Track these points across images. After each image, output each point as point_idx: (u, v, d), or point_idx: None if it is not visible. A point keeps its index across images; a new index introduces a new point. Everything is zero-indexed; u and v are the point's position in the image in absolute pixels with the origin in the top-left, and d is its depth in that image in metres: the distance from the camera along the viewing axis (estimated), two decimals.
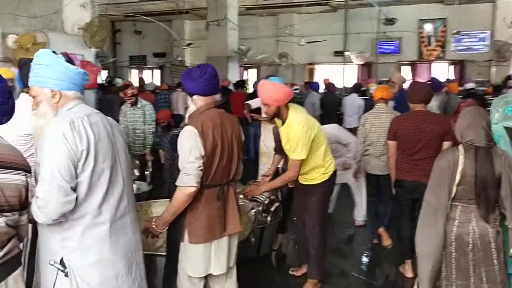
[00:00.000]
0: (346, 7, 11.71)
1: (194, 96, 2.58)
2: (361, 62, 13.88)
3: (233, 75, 11.47)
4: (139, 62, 17.20)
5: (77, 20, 7.11)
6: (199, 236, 2.51)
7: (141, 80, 11.89)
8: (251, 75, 16.15)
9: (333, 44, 13.98)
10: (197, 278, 2.57)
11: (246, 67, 15.88)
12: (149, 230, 2.56)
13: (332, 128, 4.80)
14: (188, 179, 2.44)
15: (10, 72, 5.25)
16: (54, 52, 2.09)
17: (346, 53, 12.22)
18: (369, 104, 6.45)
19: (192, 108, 2.62)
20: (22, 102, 2.95)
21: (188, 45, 14.65)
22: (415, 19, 14.07)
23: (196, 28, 15.73)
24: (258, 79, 15.43)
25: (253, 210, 4.14)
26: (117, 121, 5.36)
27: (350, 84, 9.86)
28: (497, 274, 2.51)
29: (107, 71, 17.38)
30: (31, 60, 2.96)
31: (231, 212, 2.64)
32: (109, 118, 2.10)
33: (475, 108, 2.77)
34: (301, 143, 3.20)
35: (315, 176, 3.47)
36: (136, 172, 6.12)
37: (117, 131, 2.10)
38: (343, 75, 11.58)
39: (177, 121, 5.63)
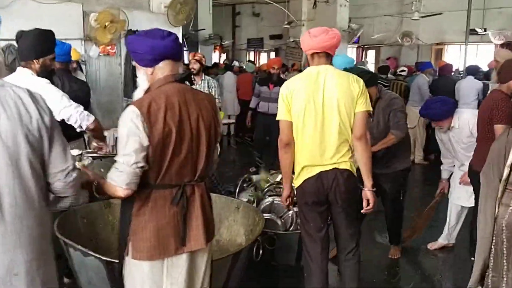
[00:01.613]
0: None
1: (161, 64, 1.95)
2: (501, 42, 11.72)
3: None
4: (256, 44, 17.02)
5: None
6: (143, 251, 1.95)
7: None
8: (369, 57, 14.83)
9: (466, 21, 12.01)
10: None
11: (364, 48, 14.63)
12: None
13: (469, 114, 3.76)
14: (117, 178, 1.87)
15: (76, 53, 5.24)
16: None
17: (481, 31, 10.36)
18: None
19: (143, 85, 2.02)
20: (18, 76, 2.69)
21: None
22: None
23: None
24: (377, 61, 14.18)
25: (290, 212, 3.46)
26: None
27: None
28: None
29: (225, 54, 17.62)
30: (28, 32, 2.70)
31: (195, 222, 2.01)
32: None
33: None
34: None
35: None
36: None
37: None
38: (476, 56, 9.85)
39: None
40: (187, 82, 2.06)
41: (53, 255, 1.77)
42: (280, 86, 6.84)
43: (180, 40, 7.60)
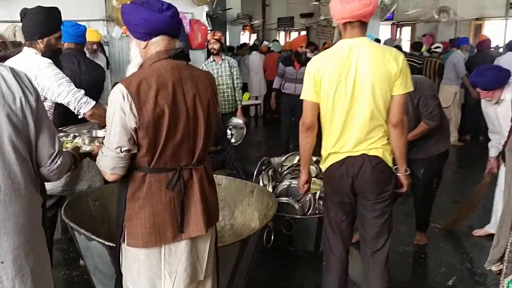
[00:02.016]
0: None
1: (155, 39, 1.81)
2: None
3: (373, 33, 10.07)
4: (286, 24, 16.65)
5: None
6: (138, 237, 1.84)
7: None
8: (404, 34, 14.24)
9: None
10: None
11: (399, 25, 14.06)
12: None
13: None
14: (102, 163, 1.78)
15: (98, 34, 5.19)
16: None
17: None
18: None
19: (136, 59, 1.88)
20: (24, 56, 2.63)
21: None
22: None
23: None
24: (413, 38, 13.60)
25: (308, 196, 3.31)
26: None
27: None
28: None
29: (255, 34, 17.36)
30: (31, 10, 2.61)
31: (194, 208, 1.89)
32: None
33: None
34: None
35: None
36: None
37: None
38: None
39: None
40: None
41: (44, 242, 1.69)
42: (305, 66, 6.71)
43: (204, 19, 7.51)
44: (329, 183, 2.45)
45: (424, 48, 8.66)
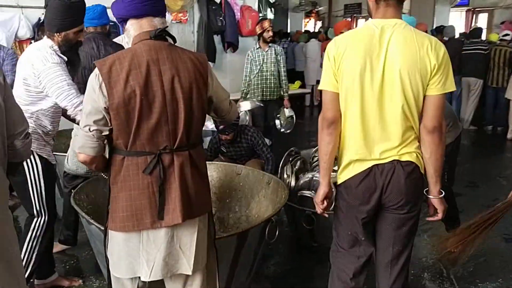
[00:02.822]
0: None
1: (128, 24, 1.85)
2: None
3: (442, 19, 9.45)
4: (354, 10, 16.08)
5: None
6: (117, 221, 1.83)
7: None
8: (481, 22, 13.22)
9: None
10: (123, 279, 1.91)
11: (475, 11, 13.08)
12: None
13: None
14: (74, 142, 1.78)
15: None
16: None
17: None
18: None
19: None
20: (39, 44, 2.61)
21: None
22: None
23: None
24: (490, 26, 12.61)
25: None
26: None
27: None
28: None
29: (321, 21, 16.96)
30: (52, 2, 2.54)
31: (173, 195, 1.82)
32: None
33: None
34: None
35: None
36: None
37: None
38: None
39: None
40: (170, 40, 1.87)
41: (10, 223, 1.70)
42: None
43: (256, 6, 7.40)
44: (348, 197, 2.00)
45: (495, 37, 7.94)
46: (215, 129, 4.25)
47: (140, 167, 1.79)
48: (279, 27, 11.44)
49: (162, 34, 1.81)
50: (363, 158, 1.92)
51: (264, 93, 5.35)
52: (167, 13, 6.11)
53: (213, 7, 6.45)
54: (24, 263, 2.59)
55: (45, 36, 2.67)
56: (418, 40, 1.85)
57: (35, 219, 2.62)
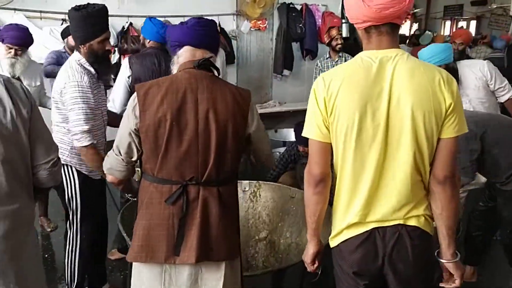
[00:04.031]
0: None
1: (182, 50, 1.85)
2: None
3: None
4: (454, 12, 14.98)
5: None
6: (132, 250, 1.80)
7: None
8: None
9: None
10: None
11: None
12: None
13: None
14: (104, 161, 1.86)
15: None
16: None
17: None
18: None
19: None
20: (70, 59, 2.58)
21: None
22: None
23: None
24: None
25: None
26: None
27: None
28: None
29: (417, 23, 16.06)
30: (70, 16, 2.48)
31: (193, 231, 1.73)
32: None
33: None
34: None
35: None
36: None
37: None
38: None
39: None
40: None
41: (34, 243, 1.73)
42: None
43: (339, 11, 7.14)
44: (342, 264, 1.70)
45: None
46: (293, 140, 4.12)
47: (163, 196, 1.74)
48: None
49: (206, 64, 1.78)
50: (360, 220, 1.61)
51: None
52: (246, 21, 6.11)
53: (293, 14, 6.32)
54: (68, 275, 2.67)
55: (75, 51, 2.66)
56: (428, 73, 1.54)
57: (69, 232, 2.67)
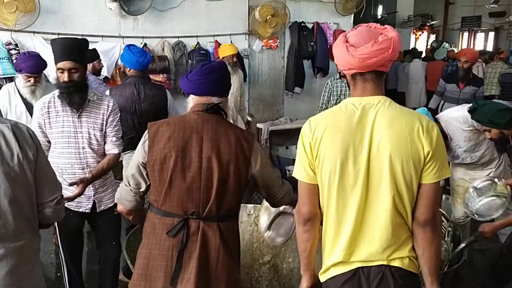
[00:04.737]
0: None
1: (189, 97, 2.00)
2: None
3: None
4: (472, 23, 14.86)
5: None
6: (133, 278, 1.90)
7: None
8: None
9: None
10: None
11: None
12: None
13: None
14: (117, 194, 1.97)
15: (233, 47, 5.38)
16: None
17: None
18: None
19: None
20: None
21: None
22: None
23: None
24: None
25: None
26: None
27: None
28: None
29: (434, 35, 15.97)
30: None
31: (191, 264, 1.82)
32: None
33: None
34: None
35: None
36: None
37: None
38: None
39: None
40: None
41: (39, 275, 1.82)
42: (472, 85, 6.11)
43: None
44: None
45: None
46: None
47: (166, 228, 1.84)
48: None
49: (214, 108, 1.90)
50: (345, 259, 1.67)
51: None
52: (258, 40, 6.22)
53: (305, 33, 6.41)
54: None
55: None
56: (407, 121, 1.60)
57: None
